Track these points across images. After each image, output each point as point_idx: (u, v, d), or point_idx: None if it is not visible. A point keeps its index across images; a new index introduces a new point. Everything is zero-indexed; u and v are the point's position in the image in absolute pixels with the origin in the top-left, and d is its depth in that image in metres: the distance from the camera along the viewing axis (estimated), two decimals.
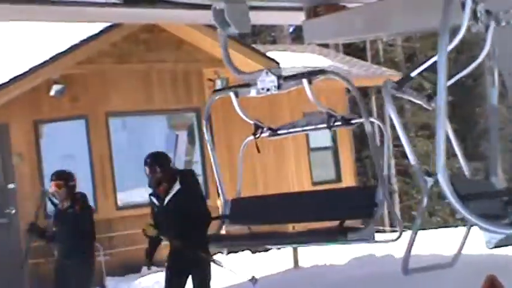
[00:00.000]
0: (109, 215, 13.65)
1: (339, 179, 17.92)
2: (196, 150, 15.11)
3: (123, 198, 14.05)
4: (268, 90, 6.04)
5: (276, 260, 13.31)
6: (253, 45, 17.92)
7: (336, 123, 6.20)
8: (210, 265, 7.90)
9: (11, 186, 13.46)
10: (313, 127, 6.30)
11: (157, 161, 7.96)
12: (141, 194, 14.58)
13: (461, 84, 27.73)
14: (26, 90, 13.02)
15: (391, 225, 25.97)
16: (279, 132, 6.48)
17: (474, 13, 4.59)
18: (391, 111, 4.86)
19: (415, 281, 8.47)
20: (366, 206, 5.54)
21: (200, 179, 15.08)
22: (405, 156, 27.60)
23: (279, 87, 5.99)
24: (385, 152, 6.78)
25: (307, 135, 16.66)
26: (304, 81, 5.87)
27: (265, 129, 6.54)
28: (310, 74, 5.91)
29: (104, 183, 13.86)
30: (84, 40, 13.40)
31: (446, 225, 22.50)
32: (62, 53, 13.21)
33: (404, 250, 5.02)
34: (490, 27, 4.99)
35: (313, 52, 20.43)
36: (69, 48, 13.29)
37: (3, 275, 12.85)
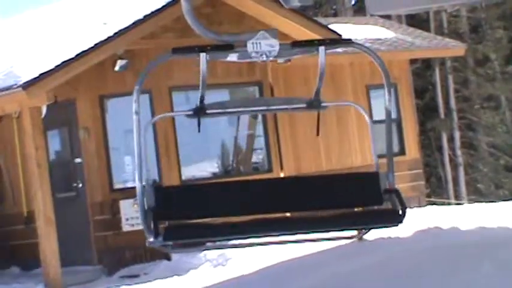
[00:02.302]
0: None
1: (403, 151, 17.81)
2: (259, 124, 15.16)
3: (186, 172, 14.20)
4: (262, 55, 5.21)
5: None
6: (315, 18, 17.83)
7: None
8: None
9: (78, 160, 13.72)
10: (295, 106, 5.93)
11: None
12: (204, 167, 14.77)
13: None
14: (91, 65, 13.19)
15: (456, 198, 25.73)
16: None
17: None
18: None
19: (479, 251, 8.41)
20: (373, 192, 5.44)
21: (262, 153, 15.17)
22: (470, 128, 27.29)
23: (278, 53, 5.31)
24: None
25: (370, 108, 16.57)
26: (321, 49, 5.19)
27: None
28: (326, 43, 5.20)
29: (168, 156, 14.03)
30: (147, 15, 13.50)
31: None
32: (126, 28, 13.33)
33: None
34: (320, 51, 4.98)
35: (375, 24, 20.24)
36: (132, 24, 13.39)
37: (72, 246, 13.15)
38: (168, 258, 13.15)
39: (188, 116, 5.57)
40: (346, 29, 17.48)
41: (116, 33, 13.26)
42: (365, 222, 5.23)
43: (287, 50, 5.17)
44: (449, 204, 19.64)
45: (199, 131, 5.65)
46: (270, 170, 14.68)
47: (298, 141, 15.93)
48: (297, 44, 5.27)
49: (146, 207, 4.96)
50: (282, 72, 15.69)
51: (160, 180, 13.81)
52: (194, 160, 14.59)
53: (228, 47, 5.25)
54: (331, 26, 16.00)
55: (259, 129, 15.15)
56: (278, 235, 5.21)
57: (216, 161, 14.79)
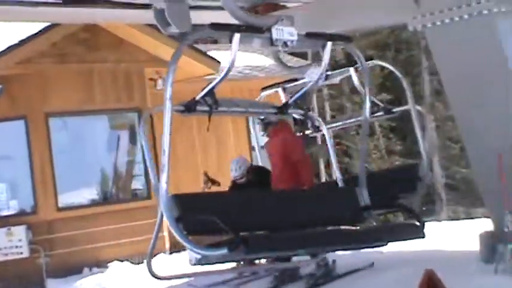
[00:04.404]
0: (49, 217, 13.53)
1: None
2: (138, 150, 15.04)
3: (64, 199, 13.93)
4: (317, 82, 5.34)
5: None
6: (195, 45, 17.89)
7: (378, 113, 6.12)
8: None
9: None
10: (354, 120, 6.01)
11: None
12: (83, 194, 14.51)
13: (399, 83, 28.16)
14: None
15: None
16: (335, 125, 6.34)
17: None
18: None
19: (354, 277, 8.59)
20: (409, 181, 5.38)
21: (142, 180, 15.05)
22: (346, 154, 27.59)
23: (326, 78, 5.51)
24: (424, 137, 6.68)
25: (249, 134, 16.71)
26: (351, 69, 5.57)
27: (309, 125, 6.45)
28: (356, 63, 5.50)
29: (44, 184, 13.72)
30: (23, 40, 13.25)
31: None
32: (0, 53, 13.04)
33: None
34: (326, 46, 5.01)
35: (254, 51, 20.49)
36: (7, 48, 13.12)
37: None
38: None
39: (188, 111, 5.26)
40: (226, 56, 17.60)
41: None
42: (392, 236, 5.13)
43: (301, 41, 5.10)
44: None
45: (208, 129, 5.37)
46: (149, 197, 14.56)
47: (178, 164, 15.88)
48: (310, 35, 5.16)
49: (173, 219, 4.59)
50: (162, 99, 15.61)
51: (36, 208, 13.50)
52: (72, 187, 14.31)
53: (259, 30, 5.00)
54: (211, 53, 16.09)
55: (139, 156, 15.03)
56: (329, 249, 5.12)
57: (95, 188, 14.57)
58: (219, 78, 4.97)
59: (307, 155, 4.80)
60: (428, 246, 7.77)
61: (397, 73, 5.53)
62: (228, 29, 4.83)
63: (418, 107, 5.96)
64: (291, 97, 5.46)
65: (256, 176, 10.16)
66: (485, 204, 10.89)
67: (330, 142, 6.03)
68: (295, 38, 5.00)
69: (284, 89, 6.42)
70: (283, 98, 6.06)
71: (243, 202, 5.25)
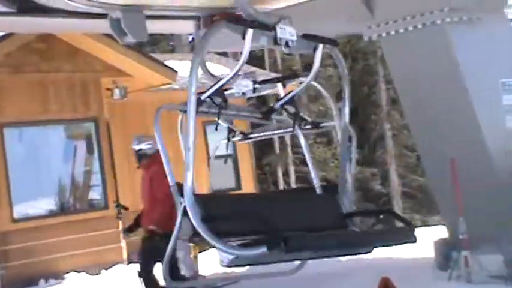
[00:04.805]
0: (4, 228, 13.37)
1: (238, 186, 18.05)
2: (95, 160, 14.95)
3: (19, 210, 13.77)
4: (244, 94, 5.57)
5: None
6: (152, 54, 17.87)
7: (306, 127, 6.11)
8: None
9: None
10: (282, 131, 6.09)
11: None
12: (39, 205, 14.37)
13: (357, 92, 28.35)
14: None
15: None
16: (250, 136, 6.38)
17: (275, 39, 4.71)
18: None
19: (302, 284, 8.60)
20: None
21: (99, 190, 14.95)
22: (304, 163, 27.94)
23: (254, 90, 5.60)
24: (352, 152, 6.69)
25: (207, 144, 16.71)
26: (279, 85, 5.56)
27: (237, 132, 6.39)
28: (284, 78, 5.58)
29: None
30: None
31: None
32: None
33: None
34: (318, 49, 5.04)
35: (211, 60, 20.51)
36: None
37: None
38: None
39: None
40: (182, 65, 17.60)
41: None
42: (384, 240, 5.07)
43: (298, 42, 5.07)
44: None
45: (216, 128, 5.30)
46: (106, 207, 14.47)
47: (136, 176, 15.80)
48: (306, 37, 5.10)
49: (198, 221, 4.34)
50: (119, 108, 15.57)
51: None
52: (28, 198, 14.15)
53: (267, 27, 4.86)
54: (168, 63, 16.07)
55: (96, 166, 14.94)
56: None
57: (52, 198, 14.43)
58: (227, 77, 4.88)
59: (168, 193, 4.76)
60: (384, 253, 7.83)
61: (324, 92, 5.53)
62: (244, 24, 4.72)
63: (347, 124, 5.97)
64: (277, 101, 5.46)
65: None
66: (440, 211, 11.03)
67: (305, 147, 6.00)
68: (295, 38, 4.96)
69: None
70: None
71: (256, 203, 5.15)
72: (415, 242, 4.96)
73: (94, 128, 14.81)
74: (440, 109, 9.78)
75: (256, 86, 5.55)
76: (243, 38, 4.68)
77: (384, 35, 9.93)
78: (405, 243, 5.03)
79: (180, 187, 4.60)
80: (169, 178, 4.71)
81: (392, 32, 9.80)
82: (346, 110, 5.34)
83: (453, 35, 9.52)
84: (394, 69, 10.73)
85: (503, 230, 9.17)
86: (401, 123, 27.93)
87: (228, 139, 6.43)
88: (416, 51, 9.82)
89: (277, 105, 5.45)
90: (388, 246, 5.19)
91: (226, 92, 5.12)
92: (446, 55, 9.53)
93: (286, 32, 4.92)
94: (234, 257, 4.51)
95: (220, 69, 19.42)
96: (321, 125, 6.28)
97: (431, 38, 9.58)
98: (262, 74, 21.54)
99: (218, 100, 4.97)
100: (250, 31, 4.68)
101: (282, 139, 28.60)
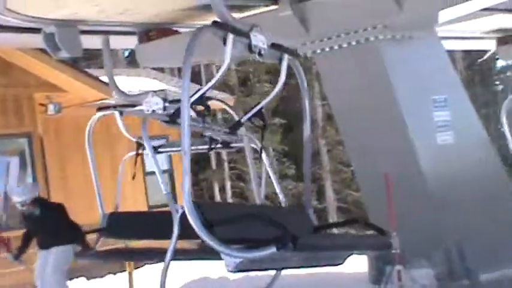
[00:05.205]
0: None
1: (174, 202, 17.96)
2: (29, 176, 14.74)
3: None
4: (154, 111, 5.54)
5: (112, 286, 13.18)
6: (87, 70, 17.72)
7: (217, 146, 6.12)
8: None
9: None
10: (195, 147, 6.07)
11: None
12: None
13: (292, 108, 28.53)
14: None
15: None
16: (160, 150, 6.36)
17: (249, 46, 4.71)
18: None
19: None
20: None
21: None
22: (240, 178, 27.95)
23: (164, 109, 5.57)
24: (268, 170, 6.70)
25: (143, 160, 16.61)
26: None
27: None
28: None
29: None
30: None
31: None
32: None
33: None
34: (284, 59, 5.08)
35: (148, 76, 20.44)
36: None
37: None
38: None
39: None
40: (118, 80, 17.48)
41: None
42: (361, 247, 5.04)
43: (171, 105, 5.16)
44: None
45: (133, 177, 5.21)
46: None
47: (71, 193, 15.63)
48: (274, 46, 5.16)
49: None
50: (54, 124, 15.40)
51: None
52: None
53: (245, 34, 4.84)
54: (103, 78, 15.96)
55: (29, 178, 14.72)
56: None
57: None
58: (210, 84, 4.81)
59: None
60: (319, 268, 7.88)
61: (232, 112, 5.55)
62: (226, 28, 4.68)
63: (253, 145, 6.04)
64: (245, 115, 5.42)
65: (41, 210, 9.19)
66: None
67: (267, 163, 6.06)
68: (266, 46, 4.98)
69: (121, 113, 6.31)
70: (119, 122, 6.00)
71: None
72: (390, 248, 4.99)
73: (27, 144, 14.61)
74: (373, 125, 9.93)
75: (166, 104, 5.53)
76: (224, 43, 4.66)
77: (318, 51, 10.03)
78: (382, 249, 5.08)
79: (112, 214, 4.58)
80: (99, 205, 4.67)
81: (327, 49, 9.91)
82: (308, 124, 5.35)
83: (386, 52, 9.68)
84: (328, 85, 10.85)
85: (435, 244, 9.33)
86: (336, 139, 28.21)
87: (137, 154, 6.43)
88: (350, 67, 9.95)
89: (245, 118, 5.43)
90: (367, 251, 5.22)
91: (135, 109, 5.18)
92: (379, 72, 9.69)
93: (259, 40, 4.93)
94: (240, 260, 4.33)
95: (157, 84, 19.37)
96: (232, 145, 6.33)
97: (364, 55, 9.72)
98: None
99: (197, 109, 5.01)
100: (231, 36, 4.66)
101: (218, 155, 28.61)
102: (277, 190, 5.89)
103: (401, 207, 9.24)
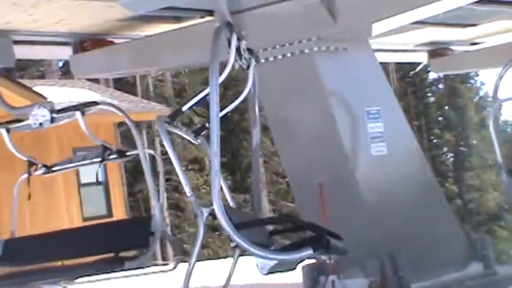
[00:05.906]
0: None
1: (110, 214, 17.84)
2: None
3: None
4: (41, 124, 5.44)
5: None
6: (20, 80, 17.51)
7: (111, 156, 6.07)
8: None
9: None
10: (89, 161, 6.03)
11: None
12: None
13: (228, 118, 28.60)
14: None
15: (164, 259, 26.13)
16: (54, 168, 6.24)
17: (238, 50, 4.70)
18: (167, 145, 4.76)
19: None
20: (140, 235, 5.39)
21: None
22: (177, 190, 27.86)
23: (52, 120, 5.45)
24: (160, 183, 6.72)
25: (77, 171, 16.45)
26: (78, 113, 5.42)
27: (39, 166, 6.22)
28: (84, 106, 5.48)
29: None
30: None
31: (217, 257, 23.00)
32: None
33: (182, 282, 5.05)
34: (251, 65, 5.14)
35: (82, 87, 20.27)
36: None
37: None
38: None
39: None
40: (52, 91, 17.33)
41: None
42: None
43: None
44: (156, 265, 19.92)
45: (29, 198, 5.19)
46: None
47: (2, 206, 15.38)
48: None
49: None
50: None
51: None
52: None
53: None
54: (37, 88, 15.79)
55: None
56: None
57: None
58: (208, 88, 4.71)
59: None
60: (253, 278, 7.90)
61: (128, 120, 5.49)
62: (233, 30, 4.66)
63: (149, 151, 6.05)
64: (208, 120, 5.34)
65: None
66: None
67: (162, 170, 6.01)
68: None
69: (8, 130, 6.09)
70: (7, 140, 5.83)
71: None
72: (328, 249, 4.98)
73: None
74: (308, 136, 10.02)
75: (54, 115, 5.40)
76: (229, 45, 4.65)
77: (253, 62, 10.09)
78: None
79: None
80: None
81: (262, 60, 9.98)
82: (257, 129, 5.34)
83: (320, 64, 9.79)
84: (263, 96, 10.90)
85: (368, 254, 9.44)
86: (272, 150, 28.36)
87: (29, 173, 6.23)
88: (285, 79, 10.03)
89: (186, 107, 5.37)
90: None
91: (22, 124, 5.08)
92: (314, 83, 9.79)
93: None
94: (275, 263, 4.26)
95: (92, 95, 19.22)
96: (127, 153, 6.27)
97: (299, 67, 9.81)
98: (135, 101, 21.45)
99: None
100: (235, 37, 4.64)
101: (153, 165, 28.45)
102: (160, 194, 5.88)
103: (335, 218, 9.33)
